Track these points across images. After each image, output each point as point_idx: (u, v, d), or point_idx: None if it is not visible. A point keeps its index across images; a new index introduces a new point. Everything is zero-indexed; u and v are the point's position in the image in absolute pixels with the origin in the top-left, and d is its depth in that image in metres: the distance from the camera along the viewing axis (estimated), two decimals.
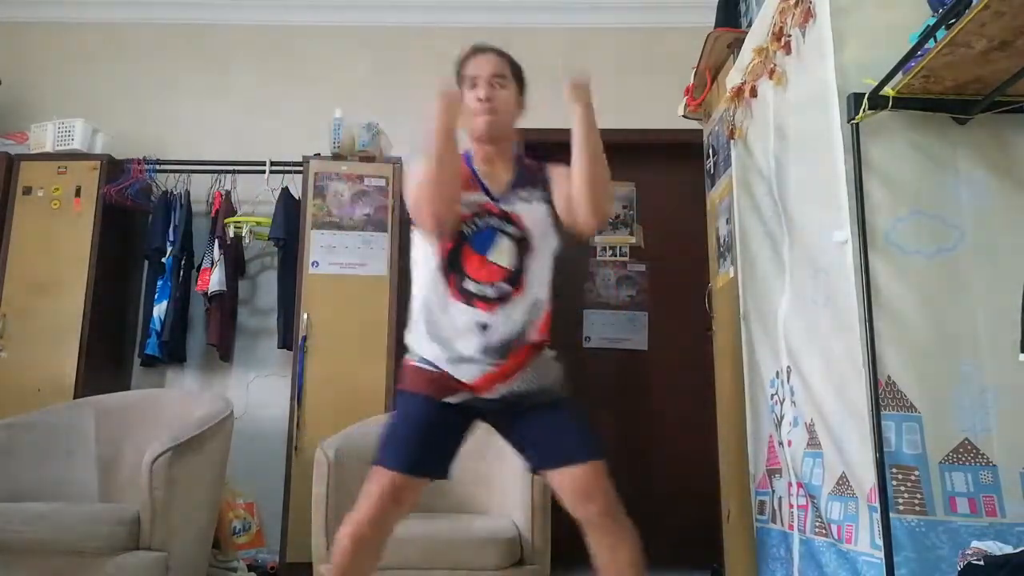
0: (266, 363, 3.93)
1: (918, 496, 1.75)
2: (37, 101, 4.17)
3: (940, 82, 1.83)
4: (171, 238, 3.80)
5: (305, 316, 3.53)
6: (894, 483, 1.75)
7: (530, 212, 1.99)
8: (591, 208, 1.90)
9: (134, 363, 3.90)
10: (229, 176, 3.96)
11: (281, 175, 3.89)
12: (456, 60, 2.09)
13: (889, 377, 1.81)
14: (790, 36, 2.23)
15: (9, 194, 3.70)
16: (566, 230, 2.02)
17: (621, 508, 1.89)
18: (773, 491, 2.35)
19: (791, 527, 2.20)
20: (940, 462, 1.77)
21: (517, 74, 2.10)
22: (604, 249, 4.23)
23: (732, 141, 2.72)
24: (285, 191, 3.83)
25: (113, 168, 3.81)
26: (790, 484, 2.21)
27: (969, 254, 1.87)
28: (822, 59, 2.02)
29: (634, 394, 4.04)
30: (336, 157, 3.72)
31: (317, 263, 3.61)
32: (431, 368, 1.94)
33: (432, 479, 1.95)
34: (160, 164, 3.92)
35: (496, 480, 2.90)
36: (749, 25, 2.71)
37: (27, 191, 3.72)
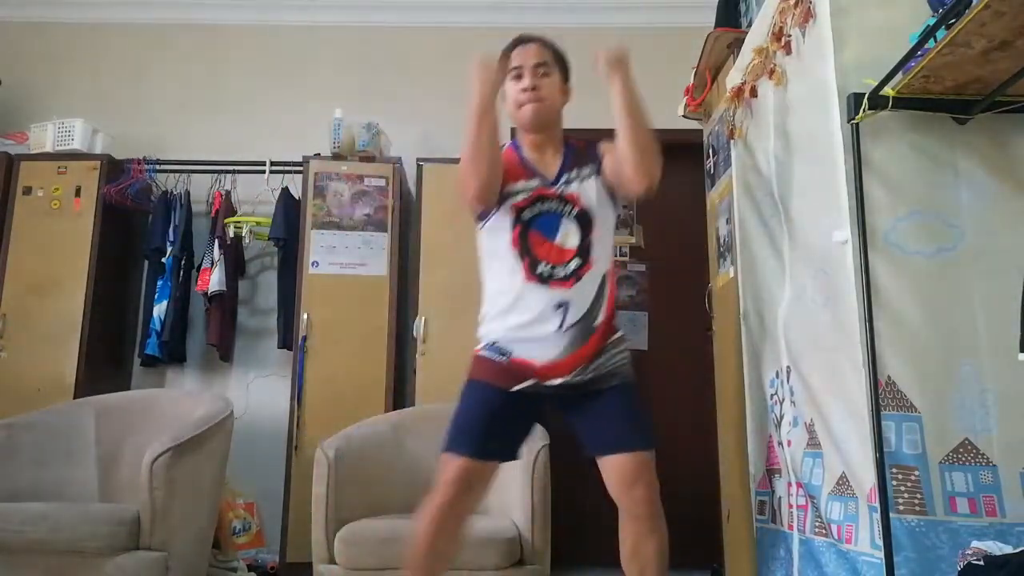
0: (266, 363, 3.93)
1: (918, 496, 1.74)
2: (37, 101, 4.17)
3: (940, 82, 1.83)
4: (171, 238, 3.80)
5: (305, 316, 3.53)
6: (894, 483, 1.75)
7: (585, 189, 2.06)
8: (640, 171, 1.95)
9: (134, 363, 3.90)
10: (229, 176, 3.96)
11: (281, 175, 3.89)
12: (501, 52, 2.12)
13: (889, 377, 1.81)
14: (790, 36, 2.23)
15: (9, 194, 3.71)
16: (620, 198, 2.11)
17: (659, 503, 1.95)
18: (773, 491, 2.35)
19: (791, 527, 2.20)
20: (940, 462, 1.77)
21: (560, 61, 2.15)
22: None
23: (732, 141, 2.72)
24: (285, 191, 3.84)
25: (113, 168, 3.81)
26: (790, 484, 2.21)
27: (969, 254, 1.87)
28: (822, 59, 2.01)
29: None
30: (336, 157, 3.73)
31: (317, 263, 3.61)
32: (499, 358, 2.01)
33: (500, 462, 2.03)
34: (160, 164, 3.92)
35: (496, 480, 2.90)
36: (749, 25, 2.70)
37: (27, 191, 3.72)
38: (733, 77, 2.67)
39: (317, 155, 3.75)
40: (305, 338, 3.52)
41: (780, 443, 2.29)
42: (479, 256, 2.15)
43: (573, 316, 1.98)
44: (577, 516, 3.55)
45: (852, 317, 1.86)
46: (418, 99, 4.20)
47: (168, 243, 3.79)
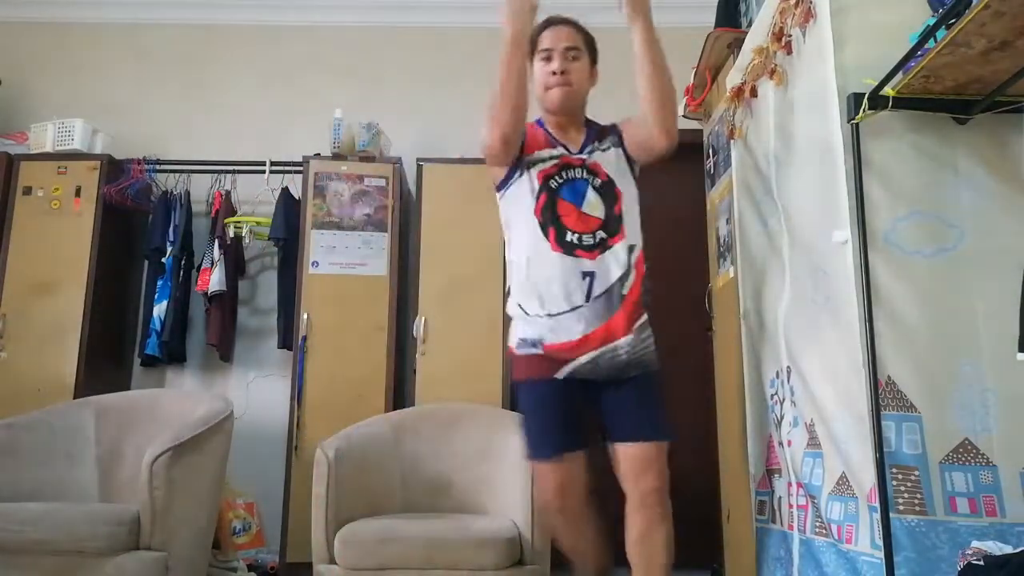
0: (266, 363, 3.93)
1: (918, 496, 1.75)
2: (37, 101, 4.17)
3: (940, 82, 1.83)
4: (171, 238, 3.80)
5: (305, 316, 3.53)
6: (894, 483, 1.75)
7: (606, 158, 2.09)
8: (661, 122, 1.97)
9: (134, 363, 3.90)
10: (229, 176, 3.96)
11: (281, 175, 3.89)
12: (531, 33, 2.11)
13: (889, 377, 1.81)
14: (790, 36, 2.23)
15: (9, 194, 3.70)
16: (642, 165, 2.13)
17: (668, 496, 1.98)
18: (773, 491, 2.35)
19: (791, 527, 2.20)
20: (940, 462, 1.77)
21: (590, 45, 2.17)
22: None
23: (732, 141, 2.72)
24: (285, 191, 3.83)
25: (113, 168, 3.81)
26: (790, 484, 2.21)
27: (969, 254, 1.87)
28: (822, 59, 2.01)
29: None
30: (336, 157, 3.72)
31: (317, 263, 3.61)
32: (533, 350, 2.01)
33: (581, 448, 2.03)
34: (160, 164, 3.92)
35: (496, 480, 2.90)
36: (749, 25, 2.70)
37: (27, 191, 3.72)
38: (733, 77, 2.67)
39: (317, 155, 3.75)
40: (305, 338, 3.52)
41: (780, 443, 2.29)
42: (502, 225, 2.15)
43: (599, 287, 1.98)
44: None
45: (852, 317, 1.86)
46: (418, 99, 4.20)
47: (168, 243, 3.79)
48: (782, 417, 2.29)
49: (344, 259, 3.62)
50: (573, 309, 1.97)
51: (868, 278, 1.84)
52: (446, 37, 4.29)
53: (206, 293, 3.72)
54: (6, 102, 4.12)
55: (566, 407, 2.02)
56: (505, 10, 1.96)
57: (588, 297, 1.97)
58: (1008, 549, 1.60)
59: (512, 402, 3.35)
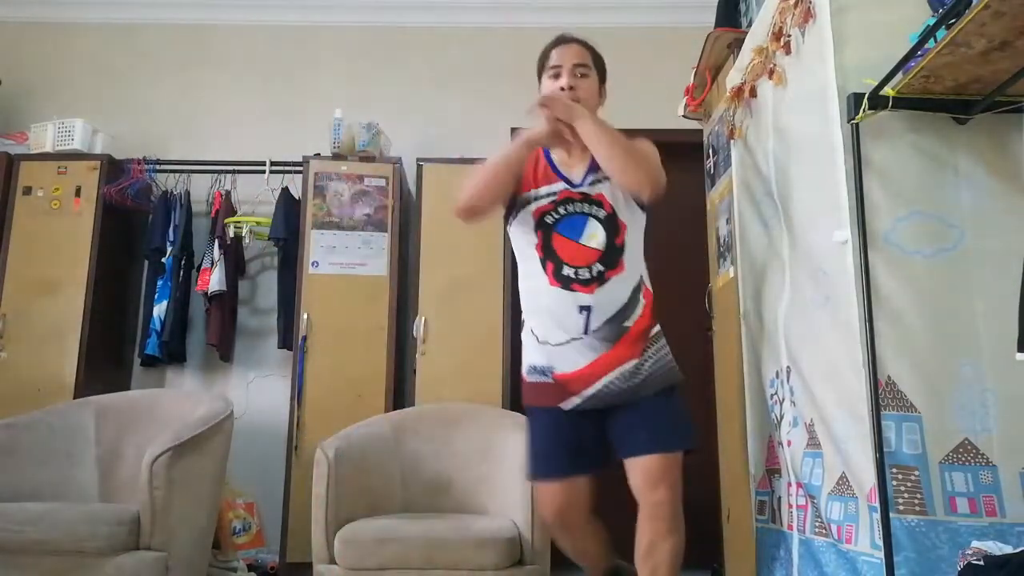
0: (266, 363, 3.93)
1: (918, 496, 1.74)
2: (37, 101, 4.17)
3: (940, 82, 1.83)
4: (171, 238, 3.80)
5: (305, 316, 3.53)
6: (894, 483, 1.75)
7: (612, 190, 2.06)
8: (633, 187, 1.99)
9: (134, 363, 3.90)
10: (229, 176, 3.96)
11: (281, 175, 3.89)
12: (541, 51, 2.15)
13: (889, 377, 1.81)
14: (790, 36, 2.23)
15: (9, 194, 3.70)
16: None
17: (680, 505, 1.99)
18: (773, 491, 2.35)
19: (791, 527, 2.20)
20: (940, 462, 1.77)
21: (599, 64, 2.16)
22: None
23: (732, 141, 2.72)
24: (285, 191, 3.83)
25: (113, 168, 3.81)
26: (790, 484, 2.21)
27: (969, 254, 1.87)
28: (822, 59, 2.01)
29: None
30: (336, 157, 3.73)
31: (317, 263, 3.61)
32: (543, 379, 2.03)
33: (589, 473, 2.04)
34: (160, 164, 3.92)
35: (496, 480, 2.90)
36: (749, 25, 2.70)
37: (27, 191, 3.72)
38: (733, 77, 2.67)
39: (317, 155, 3.75)
40: (305, 338, 3.52)
41: (780, 443, 2.29)
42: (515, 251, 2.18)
43: (597, 320, 1.98)
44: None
45: (852, 317, 1.86)
46: (418, 99, 4.20)
47: (168, 243, 3.79)
48: (782, 417, 2.28)
49: (344, 259, 3.62)
50: (571, 341, 1.99)
51: (868, 278, 1.84)
52: (446, 37, 4.29)
53: (206, 293, 3.72)
54: (6, 102, 4.12)
55: (571, 434, 2.03)
56: (542, 120, 2.01)
57: (586, 330, 1.98)
58: (1008, 549, 1.60)
59: (512, 402, 3.35)
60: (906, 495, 1.75)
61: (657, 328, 2.08)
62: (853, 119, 1.89)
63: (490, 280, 3.57)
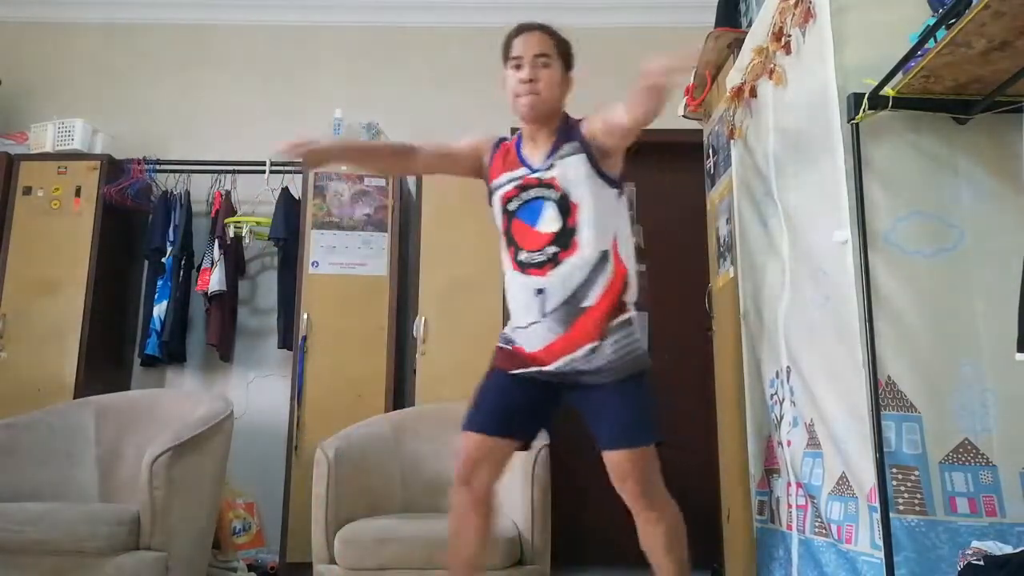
0: (266, 363, 3.93)
1: (918, 496, 1.74)
2: (37, 101, 4.17)
3: (940, 82, 1.83)
4: (171, 238, 3.80)
5: (305, 316, 3.53)
6: (894, 483, 1.75)
7: (565, 168, 2.03)
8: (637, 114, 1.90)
9: (134, 363, 3.90)
10: (229, 176, 3.96)
11: (281, 175, 3.89)
12: (503, 40, 2.12)
13: (889, 377, 1.81)
14: (790, 36, 2.23)
15: (9, 194, 3.71)
16: (616, 162, 2.04)
17: (659, 493, 2.00)
18: (772, 491, 2.35)
19: (791, 527, 2.20)
20: (940, 462, 1.77)
21: (563, 51, 2.13)
22: None
23: (732, 141, 2.72)
24: (285, 191, 3.84)
25: (113, 168, 3.81)
26: (789, 484, 2.21)
27: (969, 254, 1.87)
28: (822, 59, 2.01)
29: None
30: None
31: (317, 263, 3.61)
32: (505, 345, 2.09)
33: (509, 443, 2.06)
34: (160, 164, 3.93)
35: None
36: (749, 25, 2.70)
37: (27, 191, 3.72)
38: (733, 77, 2.67)
39: None
40: (305, 338, 3.52)
41: (780, 443, 2.29)
42: None
43: (552, 303, 1.98)
44: (577, 516, 3.55)
45: (852, 317, 1.86)
46: (418, 99, 4.20)
47: (168, 243, 3.80)
48: (782, 417, 2.28)
49: (344, 259, 3.62)
50: (532, 324, 2.01)
51: (868, 278, 1.84)
52: (446, 37, 4.29)
53: (206, 293, 3.72)
54: (6, 102, 4.12)
55: (516, 399, 2.06)
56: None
57: (544, 313, 1.99)
58: (1008, 549, 1.60)
59: None
60: (906, 495, 1.75)
61: (627, 315, 2.04)
62: (853, 119, 1.89)
63: (490, 280, 3.56)
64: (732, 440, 2.74)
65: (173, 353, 3.79)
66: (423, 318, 3.58)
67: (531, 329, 2.01)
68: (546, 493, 2.75)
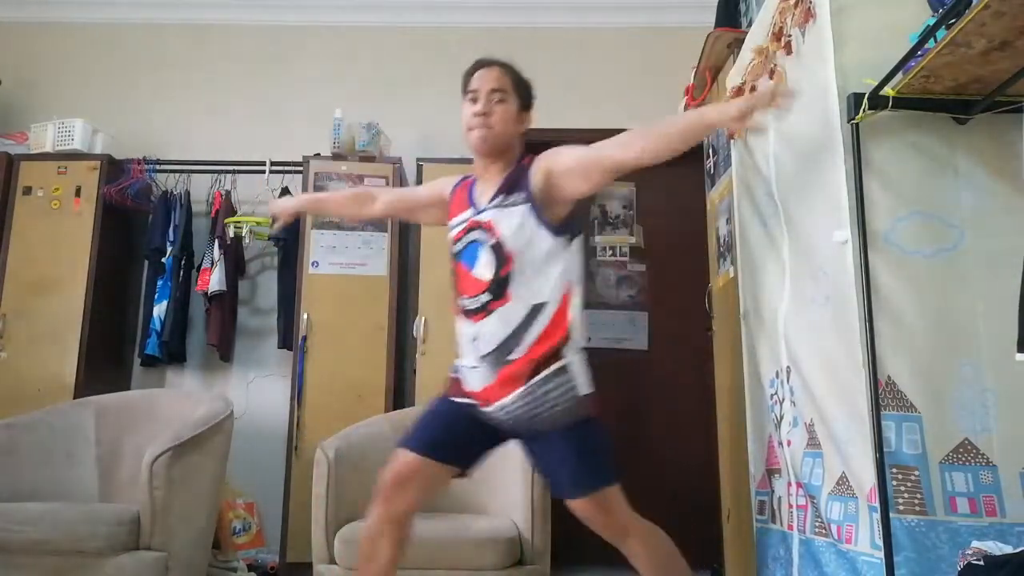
0: (266, 363, 3.93)
1: (918, 496, 1.74)
2: (37, 101, 4.17)
3: (940, 82, 1.82)
4: (171, 238, 3.81)
5: (305, 316, 3.53)
6: (894, 483, 1.75)
7: (504, 218, 1.98)
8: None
9: (134, 363, 3.91)
10: (229, 176, 3.96)
11: (281, 175, 3.89)
12: (463, 73, 2.11)
13: (889, 377, 1.81)
14: (790, 36, 2.23)
15: (9, 194, 3.71)
16: (566, 216, 1.99)
17: (631, 521, 1.99)
18: (772, 491, 2.35)
19: (791, 527, 2.20)
20: (940, 462, 1.77)
21: (520, 88, 2.09)
22: (604, 249, 4.24)
23: (732, 141, 2.72)
24: (285, 191, 3.83)
25: (113, 168, 3.81)
26: (790, 484, 2.21)
27: (969, 254, 1.87)
28: (822, 59, 2.01)
29: (634, 394, 4.04)
30: (336, 157, 3.73)
31: (317, 263, 3.61)
32: (453, 374, 2.09)
33: (439, 465, 2.03)
34: (160, 164, 3.93)
35: (496, 480, 2.90)
36: (749, 25, 2.71)
37: (27, 191, 3.72)
38: (733, 77, 2.67)
39: (317, 155, 3.75)
40: (305, 338, 3.52)
41: (780, 443, 2.29)
42: None
43: (483, 350, 1.97)
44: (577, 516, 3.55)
45: (852, 317, 1.86)
46: (418, 99, 4.20)
47: (168, 243, 3.80)
48: (782, 417, 2.28)
49: (344, 259, 3.62)
50: (472, 368, 2.01)
51: (868, 278, 1.83)
52: (446, 37, 4.29)
53: (206, 293, 3.72)
54: (6, 102, 4.12)
55: (452, 426, 2.05)
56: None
57: (479, 358, 1.98)
58: (1008, 549, 1.60)
59: None
60: (906, 495, 1.74)
61: (561, 363, 1.94)
62: (853, 119, 1.89)
63: None
64: (732, 440, 2.74)
65: (173, 353, 3.79)
66: (423, 318, 3.58)
67: (472, 371, 2.01)
68: (546, 493, 2.75)
